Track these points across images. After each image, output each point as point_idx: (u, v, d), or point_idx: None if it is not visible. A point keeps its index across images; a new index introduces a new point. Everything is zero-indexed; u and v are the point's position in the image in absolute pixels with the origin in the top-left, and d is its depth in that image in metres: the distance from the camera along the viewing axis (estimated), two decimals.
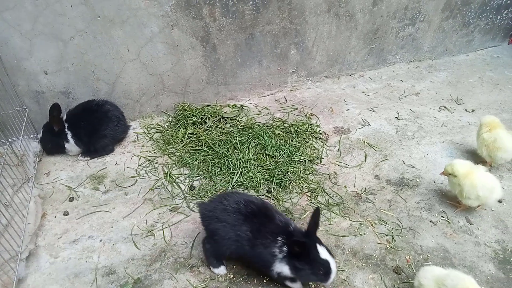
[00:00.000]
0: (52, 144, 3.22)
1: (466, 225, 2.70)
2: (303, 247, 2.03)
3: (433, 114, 3.84)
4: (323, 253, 2.07)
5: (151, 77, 3.45)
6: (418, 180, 3.07)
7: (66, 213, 2.78)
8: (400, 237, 2.62)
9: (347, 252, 2.53)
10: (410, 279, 2.34)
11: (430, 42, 4.56)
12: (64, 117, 3.18)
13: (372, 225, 2.70)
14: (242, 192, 2.83)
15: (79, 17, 2.96)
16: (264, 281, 2.34)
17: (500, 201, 2.86)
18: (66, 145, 3.22)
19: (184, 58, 3.46)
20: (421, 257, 2.49)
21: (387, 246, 2.55)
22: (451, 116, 3.81)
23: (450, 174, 2.74)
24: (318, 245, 2.08)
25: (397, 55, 4.50)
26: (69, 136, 3.17)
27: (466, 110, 3.91)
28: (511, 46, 5.09)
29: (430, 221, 2.72)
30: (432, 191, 2.96)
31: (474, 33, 4.72)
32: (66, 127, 3.16)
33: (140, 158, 3.27)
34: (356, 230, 2.66)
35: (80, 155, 3.28)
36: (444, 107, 3.94)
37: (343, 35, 4.00)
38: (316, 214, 2.14)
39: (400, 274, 2.38)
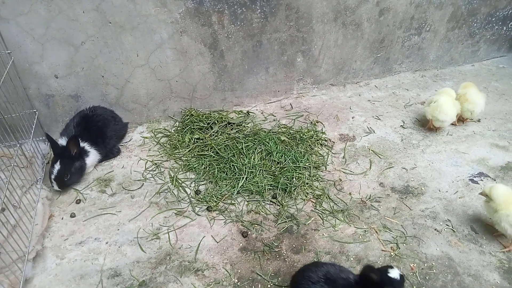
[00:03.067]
0: (75, 169, 2.99)
1: (471, 234, 2.70)
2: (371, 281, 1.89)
3: None
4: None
5: (159, 82, 3.50)
6: (423, 188, 3.07)
7: (73, 215, 2.81)
8: (404, 244, 2.62)
9: (352, 258, 2.53)
10: (414, 287, 2.34)
11: (436, 52, 4.58)
12: (73, 133, 3.08)
13: (376, 232, 2.70)
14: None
15: (90, 22, 3.03)
16: (269, 286, 2.34)
17: None
18: (87, 160, 3.08)
19: (192, 64, 3.51)
20: (425, 265, 2.49)
21: (392, 254, 2.55)
22: (457, 126, 3.82)
23: (487, 196, 2.66)
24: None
25: (402, 64, 4.53)
26: (87, 147, 3.09)
27: (472, 120, 3.92)
28: None
29: (435, 229, 2.73)
30: (437, 199, 2.97)
31: (479, 43, 4.74)
32: (80, 141, 3.03)
33: (146, 162, 3.31)
34: (360, 237, 2.67)
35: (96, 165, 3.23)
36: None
37: (349, 43, 4.04)
38: (369, 271, 1.95)
39: (404, 281, 2.38)
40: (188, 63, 3.49)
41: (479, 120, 3.90)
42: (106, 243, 2.63)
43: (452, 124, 3.77)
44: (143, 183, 3.10)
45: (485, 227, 2.74)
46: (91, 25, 3.04)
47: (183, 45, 3.37)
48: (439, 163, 3.33)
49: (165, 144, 3.49)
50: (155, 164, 3.28)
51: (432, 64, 4.66)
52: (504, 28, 4.73)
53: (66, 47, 3.05)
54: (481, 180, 3.15)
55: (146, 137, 3.57)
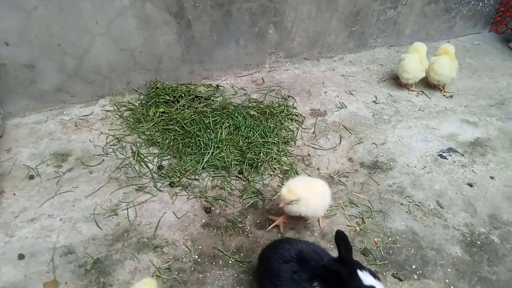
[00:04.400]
0: None
1: (436, 209, 2.68)
2: (337, 277, 1.71)
3: (411, 98, 3.80)
4: (366, 279, 1.73)
5: (122, 52, 3.30)
6: (391, 163, 3.03)
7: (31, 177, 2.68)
8: (370, 219, 2.59)
9: (316, 234, 2.48)
10: (377, 261, 2.31)
11: (412, 27, 4.50)
12: None
13: (342, 207, 2.65)
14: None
15: None
16: (230, 262, 2.28)
17: (471, 185, 2.85)
18: None
19: (157, 34, 3.32)
20: (389, 239, 2.46)
21: (357, 228, 2.52)
22: (429, 101, 3.78)
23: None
24: (359, 271, 1.74)
25: (378, 39, 4.44)
26: None
27: (444, 95, 3.89)
28: (492, 34, 5.08)
29: (401, 204, 2.70)
30: (404, 174, 2.93)
31: (455, 19, 4.68)
32: None
33: (108, 136, 3.15)
34: (326, 212, 2.61)
35: None
36: (422, 92, 3.90)
37: (323, 16, 3.91)
38: (341, 236, 1.82)
39: (367, 256, 2.35)
40: (153, 33, 3.30)
41: (451, 96, 3.87)
42: (61, 219, 2.50)
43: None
44: (103, 159, 2.96)
45: (450, 201, 2.72)
46: None
47: (146, 13, 3.17)
48: (409, 138, 3.29)
49: (128, 118, 3.33)
50: (117, 138, 3.13)
51: (408, 40, 4.58)
52: (480, 4, 4.66)
53: (16, 11, 2.82)
54: (450, 155, 3.13)
55: (108, 111, 3.40)
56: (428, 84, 3.98)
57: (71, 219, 2.50)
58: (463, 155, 3.13)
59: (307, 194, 2.28)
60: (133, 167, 2.89)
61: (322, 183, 2.43)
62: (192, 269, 2.25)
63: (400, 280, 2.23)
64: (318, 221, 2.53)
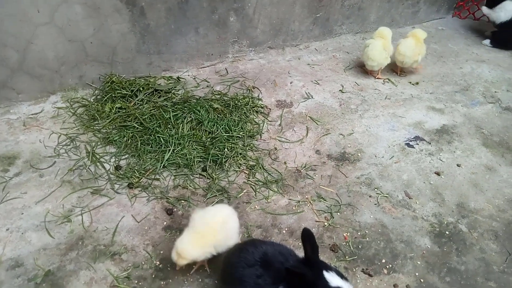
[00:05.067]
0: None
1: (405, 200, 2.64)
2: (302, 280, 1.61)
3: (377, 86, 3.75)
4: (333, 280, 1.65)
5: (70, 44, 3.05)
6: (359, 154, 2.97)
7: None
8: (339, 213, 2.52)
9: (284, 231, 2.39)
10: (346, 257, 2.25)
11: (376, 12, 4.44)
12: None
13: (310, 202, 2.57)
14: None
15: None
16: (193, 266, 2.15)
17: (438, 174, 2.83)
18: None
19: (108, 23, 3.08)
20: (359, 233, 2.40)
21: (325, 224, 2.44)
22: (395, 89, 3.75)
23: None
24: (325, 272, 1.66)
25: (343, 25, 4.35)
26: None
27: (410, 82, 3.86)
28: (455, 19, 5.11)
29: (370, 196, 2.64)
30: (372, 165, 2.88)
31: (419, 4, 4.66)
32: None
33: (60, 135, 2.92)
34: (294, 208, 2.52)
35: None
36: (388, 79, 3.87)
37: (286, 1, 3.77)
38: (307, 235, 1.72)
39: (337, 252, 2.28)
40: (103, 22, 3.06)
41: (417, 83, 3.85)
42: (7, 229, 2.29)
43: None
44: (54, 160, 2.74)
45: (418, 191, 2.69)
46: None
47: (94, 0, 2.93)
48: (376, 128, 3.24)
49: (82, 115, 3.10)
50: (70, 137, 2.90)
51: (373, 26, 4.52)
52: None
53: None
54: (417, 144, 3.10)
55: (60, 108, 3.16)
56: (394, 71, 3.95)
57: (19, 229, 2.30)
58: (430, 143, 3.11)
59: (203, 242, 1.99)
60: (88, 168, 2.69)
61: (218, 212, 2.09)
62: (153, 276, 2.11)
63: (370, 275, 2.18)
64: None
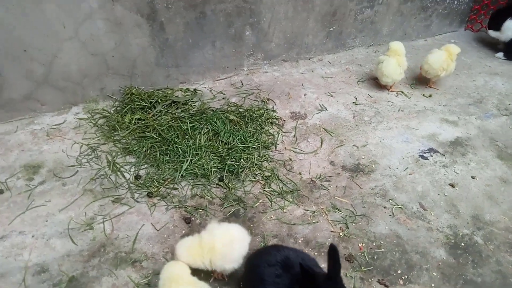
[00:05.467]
0: None
1: (419, 211, 2.66)
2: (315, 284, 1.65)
3: (390, 99, 3.79)
4: None
5: (93, 57, 3.17)
6: (373, 165, 3.00)
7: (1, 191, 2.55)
8: (353, 224, 2.55)
9: (300, 241, 2.43)
10: (362, 267, 2.28)
11: (389, 26, 4.50)
12: None
13: (325, 213, 2.61)
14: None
15: None
16: (212, 274, 2.19)
17: (453, 186, 2.85)
18: None
19: (129, 37, 3.20)
20: (374, 244, 2.42)
21: (341, 234, 2.47)
22: (408, 101, 3.78)
23: None
24: None
25: (356, 38, 4.42)
26: None
27: (423, 95, 3.89)
28: (468, 32, 5.15)
29: (384, 207, 2.67)
30: (387, 176, 2.91)
31: (432, 17, 4.71)
32: None
33: (82, 145, 3.02)
34: (309, 218, 2.56)
35: None
36: (402, 92, 3.91)
37: (300, 16, 3.86)
38: (332, 251, 1.68)
39: (352, 262, 2.31)
40: (124, 36, 3.17)
41: (430, 96, 3.88)
42: (33, 236, 2.37)
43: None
44: (77, 170, 2.83)
45: (433, 203, 2.71)
46: None
47: (116, 16, 3.05)
48: (390, 139, 3.27)
49: (103, 126, 3.20)
50: (91, 147, 3.00)
51: (385, 39, 4.58)
52: (455, 2, 4.70)
53: None
54: (431, 156, 3.12)
55: (81, 119, 3.27)
56: (420, 80, 4.05)
57: (44, 235, 2.38)
58: (444, 155, 3.13)
59: (199, 252, 2.04)
60: (109, 177, 2.77)
61: (229, 232, 2.10)
62: None
63: (386, 286, 2.20)
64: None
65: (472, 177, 2.94)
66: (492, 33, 4.54)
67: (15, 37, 2.83)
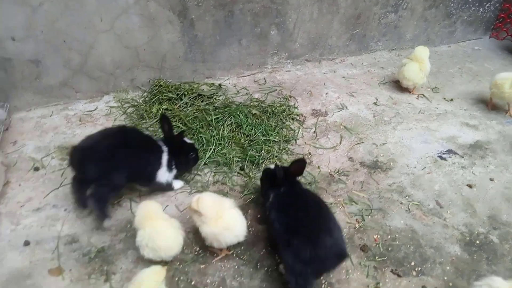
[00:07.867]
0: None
1: (436, 208, 2.70)
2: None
3: (411, 101, 3.84)
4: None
5: (126, 50, 3.35)
6: (391, 163, 3.06)
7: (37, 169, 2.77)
8: (369, 217, 2.61)
9: None
10: (376, 257, 2.34)
11: (413, 31, 4.55)
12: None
13: (342, 205, 2.68)
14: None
15: None
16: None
17: (470, 186, 2.88)
18: None
19: (160, 32, 3.37)
20: (389, 236, 2.48)
21: (356, 226, 2.54)
22: (429, 104, 3.82)
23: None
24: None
25: (379, 42, 4.49)
26: None
27: (444, 99, 3.93)
28: (493, 40, 5.14)
29: (401, 203, 2.72)
30: (404, 174, 2.96)
31: (456, 24, 4.73)
32: None
33: None
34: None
35: None
36: (423, 95, 3.95)
37: (325, 18, 3.96)
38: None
39: (367, 252, 2.37)
40: (157, 31, 3.35)
41: (451, 100, 3.91)
42: (65, 210, 2.53)
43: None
44: None
45: (450, 202, 2.75)
46: None
47: (150, 12, 3.23)
48: (409, 139, 3.32)
49: (131, 114, 3.37)
50: None
51: (408, 44, 4.63)
52: (481, 9, 4.72)
53: (22, 7, 2.87)
54: (450, 157, 3.16)
55: (112, 107, 3.44)
56: (487, 105, 3.84)
57: (75, 210, 2.53)
58: (463, 157, 3.16)
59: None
60: None
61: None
62: (193, 260, 2.27)
63: (399, 276, 2.25)
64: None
65: (491, 179, 2.96)
66: None
67: (57, 28, 3.04)
